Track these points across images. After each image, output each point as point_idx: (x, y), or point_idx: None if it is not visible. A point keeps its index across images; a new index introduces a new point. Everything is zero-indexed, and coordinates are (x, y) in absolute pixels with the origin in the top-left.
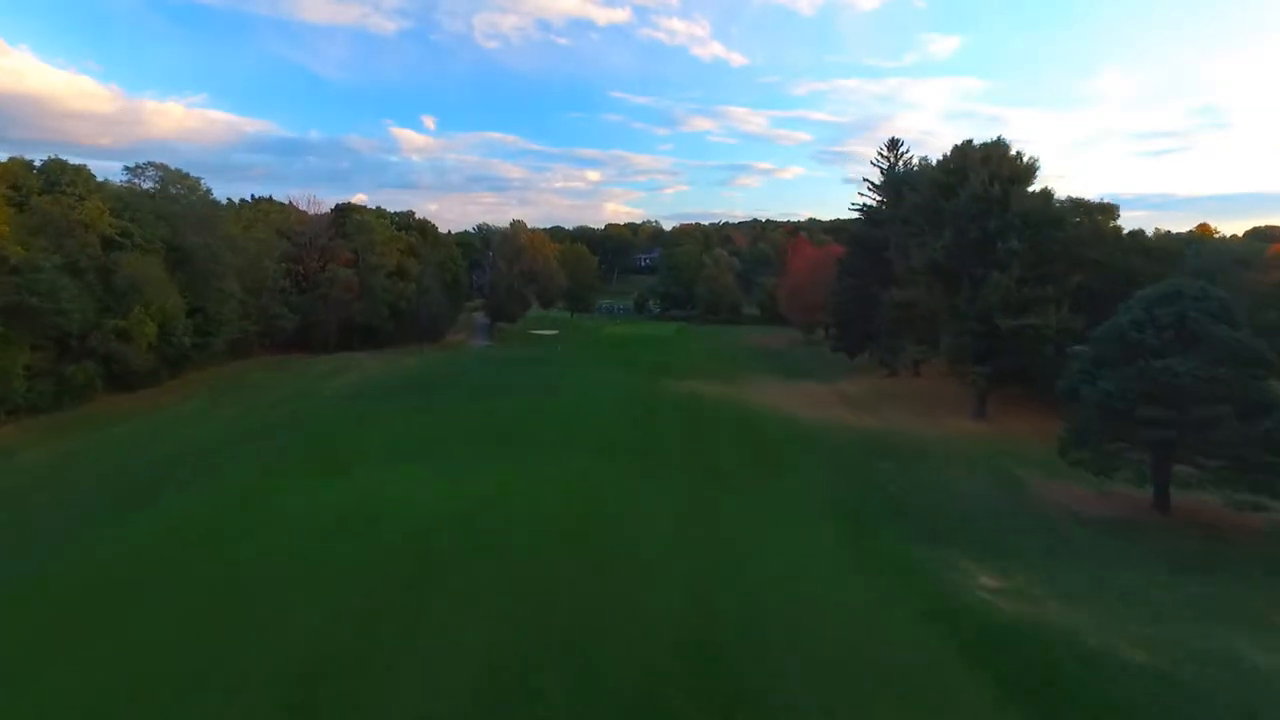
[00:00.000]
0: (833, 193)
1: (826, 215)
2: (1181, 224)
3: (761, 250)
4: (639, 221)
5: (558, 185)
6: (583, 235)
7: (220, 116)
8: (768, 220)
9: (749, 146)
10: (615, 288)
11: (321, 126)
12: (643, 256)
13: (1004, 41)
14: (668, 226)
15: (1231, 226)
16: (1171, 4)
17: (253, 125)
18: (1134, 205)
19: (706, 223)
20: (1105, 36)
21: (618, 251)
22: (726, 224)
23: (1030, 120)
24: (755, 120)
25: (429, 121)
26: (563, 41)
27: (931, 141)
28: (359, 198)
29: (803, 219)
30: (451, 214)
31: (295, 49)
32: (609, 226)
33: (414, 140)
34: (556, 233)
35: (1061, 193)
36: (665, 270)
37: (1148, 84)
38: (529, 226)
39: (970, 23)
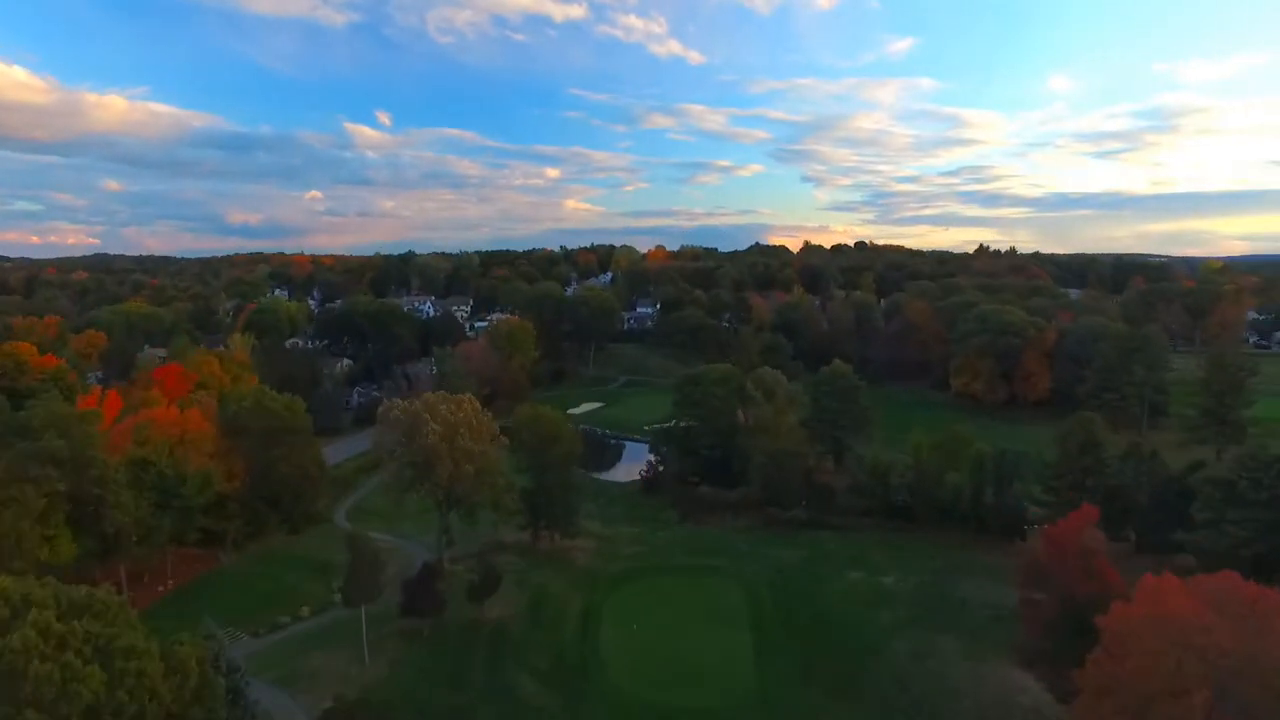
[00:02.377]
0: (792, 191)
1: (787, 213)
2: (1129, 223)
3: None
4: (599, 212)
5: (517, 183)
6: (541, 305)
7: (165, 110)
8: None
9: (708, 144)
10: (594, 372)
11: (273, 121)
12: (629, 316)
13: (957, 43)
14: (628, 224)
15: (1174, 225)
16: (1116, 11)
17: (200, 120)
18: (1083, 204)
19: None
20: (1053, 40)
21: (595, 318)
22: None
23: (984, 120)
24: (714, 118)
25: (384, 117)
26: (519, 38)
27: (888, 140)
28: (313, 194)
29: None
30: (408, 210)
31: (242, 41)
32: (574, 297)
33: (369, 136)
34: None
35: (1013, 191)
36: (682, 400)
37: (1095, 87)
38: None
39: (924, 24)
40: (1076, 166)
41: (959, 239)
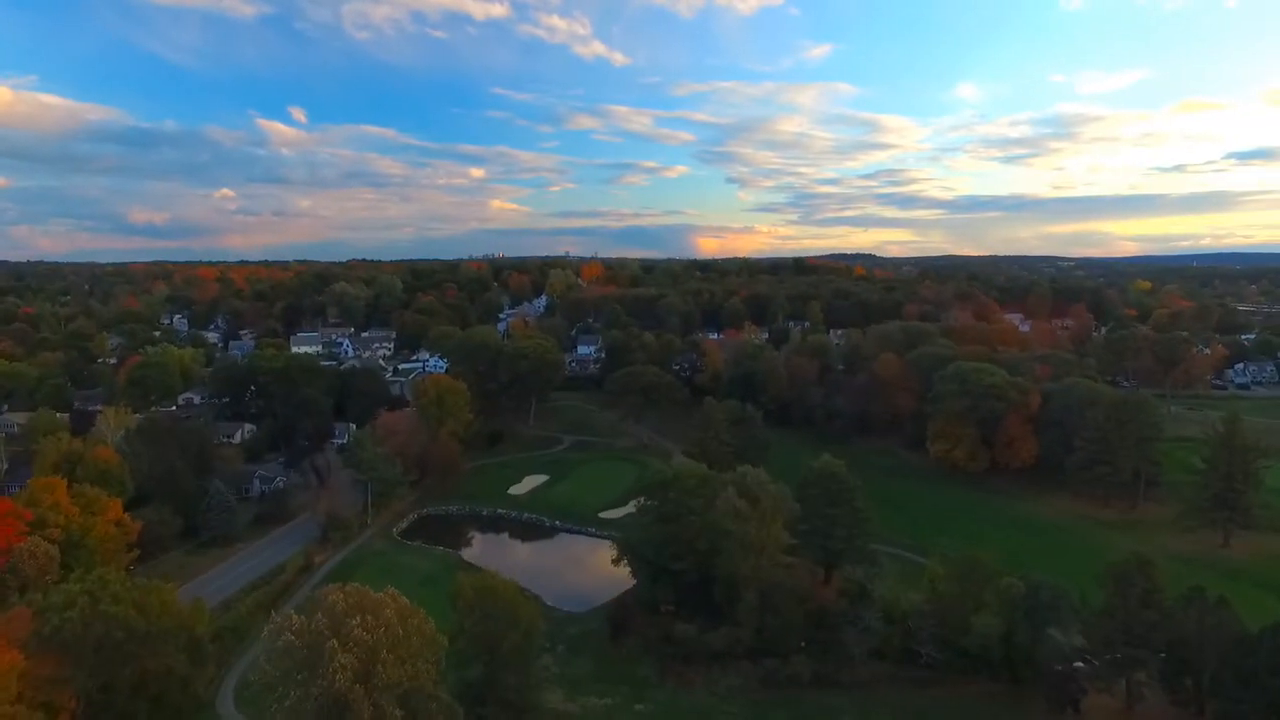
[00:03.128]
0: (718, 192)
1: (714, 214)
2: (1033, 224)
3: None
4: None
5: (440, 182)
6: (475, 356)
7: (56, 101)
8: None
9: (634, 146)
10: (536, 430)
11: (178, 116)
12: (571, 358)
13: (872, 50)
14: (556, 225)
15: (1074, 227)
16: (1016, 24)
17: (97, 113)
18: (991, 206)
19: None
20: (961, 50)
21: (536, 369)
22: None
23: (899, 125)
24: (639, 120)
25: (299, 114)
26: (439, 35)
27: (809, 143)
28: (224, 193)
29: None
30: (327, 210)
31: (142, 32)
32: (513, 349)
33: (283, 133)
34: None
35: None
36: (649, 509)
37: (1000, 96)
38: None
39: (841, 31)
40: (985, 170)
41: (878, 239)
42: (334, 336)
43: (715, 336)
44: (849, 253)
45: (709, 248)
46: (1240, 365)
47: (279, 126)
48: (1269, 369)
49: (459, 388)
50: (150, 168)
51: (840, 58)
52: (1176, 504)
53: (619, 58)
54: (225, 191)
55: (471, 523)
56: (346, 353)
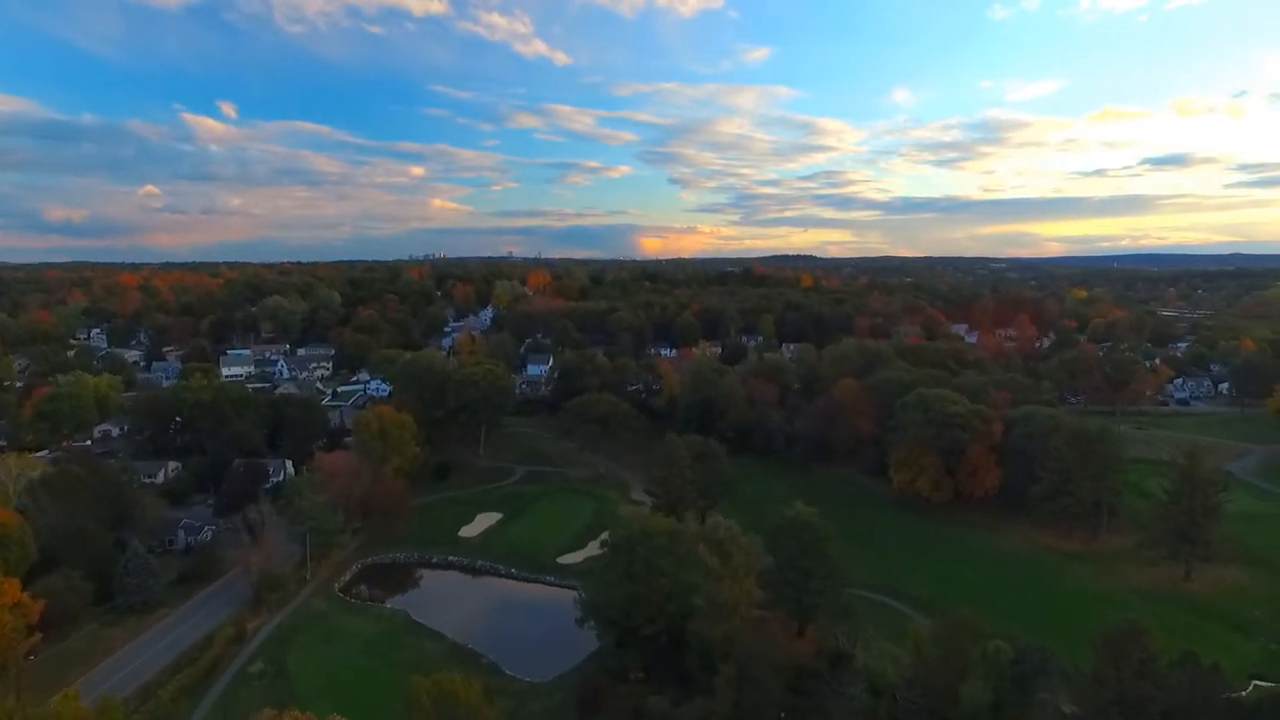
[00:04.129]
0: (660, 192)
1: (657, 214)
2: (965, 226)
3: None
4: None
5: (379, 180)
6: (420, 383)
7: None
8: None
9: (577, 145)
10: (486, 460)
11: (98, 110)
12: (521, 379)
13: (810, 54)
14: (498, 224)
15: (1003, 228)
16: (946, 31)
17: (7, 104)
18: (926, 208)
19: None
20: (895, 56)
21: (487, 396)
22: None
23: (836, 129)
24: (582, 119)
25: (228, 109)
26: (376, 30)
27: (750, 145)
28: (148, 190)
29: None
30: (259, 208)
31: (57, 20)
32: (462, 377)
33: (212, 129)
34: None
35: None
36: (616, 571)
37: (933, 101)
38: None
39: (780, 35)
40: (919, 173)
41: (817, 239)
42: (268, 354)
43: (669, 353)
44: (790, 254)
45: (652, 248)
46: (1179, 380)
47: (207, 122)
48: (1206, 384)
49: (404, 421)
50: (67, 163)
51: (779, 61)
52: (1135, 532)
53: (561, 57)
54: (150, 189)
55: (420, 572)
56: (281, 374)
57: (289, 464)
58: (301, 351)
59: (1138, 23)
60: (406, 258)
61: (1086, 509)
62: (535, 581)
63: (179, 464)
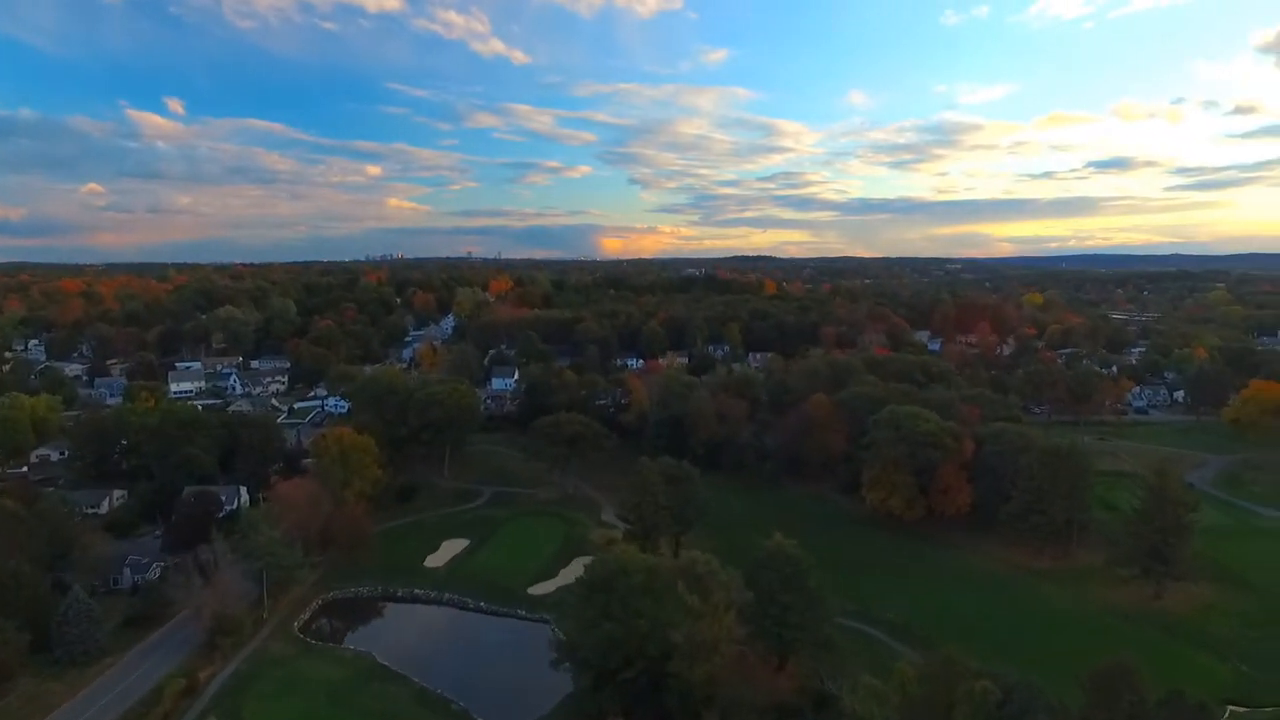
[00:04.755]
0: (621, 192)
1: (618, 214)
2: (920, 226)
3: None
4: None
5: (334, 179)
6: (382, 402)
7: None
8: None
9: (536, 145)
10: (451, 481)
11: (37, 104)
12: (486, 395)
13: (768, 56)
14: (457, 224)
15: (957, 229)
16: (900, 35)
17: None
18: (882, 209)
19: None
20: (851, 59)
21: (452, 416)
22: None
23: (794, 130)
24: (541, 119)
25: (175, 105)
26: (329, 27)
27: (710, 145)
28: (91, 188)
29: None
30: (209, 207)
31: None
32: (425, 396)
33: (158, 125)
34: None
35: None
36: (594, 609)
37: (888, 103)
38: None
39: (738, 37)
40: (875, 175)
41: (776, 239)
42: (219, 368)
43: (635, 363)
44: (750, 254)
45: (613, 248)
46: (1137, 389)
47: (153, 118)
48: (1162, 392)
49: (365, 444)
50: (3, 159)
51: (737, 63)
52: (1103, 547)
53: (519, 56)
54: (93, 186)
55: (385, 607)
56: (234, 389)
57: (243, 490)
58: (255, 364)
59: (1083, 30)
60: (364, 258)
61: (1058, 527)
62: (506, 615)
63: (124, 492)
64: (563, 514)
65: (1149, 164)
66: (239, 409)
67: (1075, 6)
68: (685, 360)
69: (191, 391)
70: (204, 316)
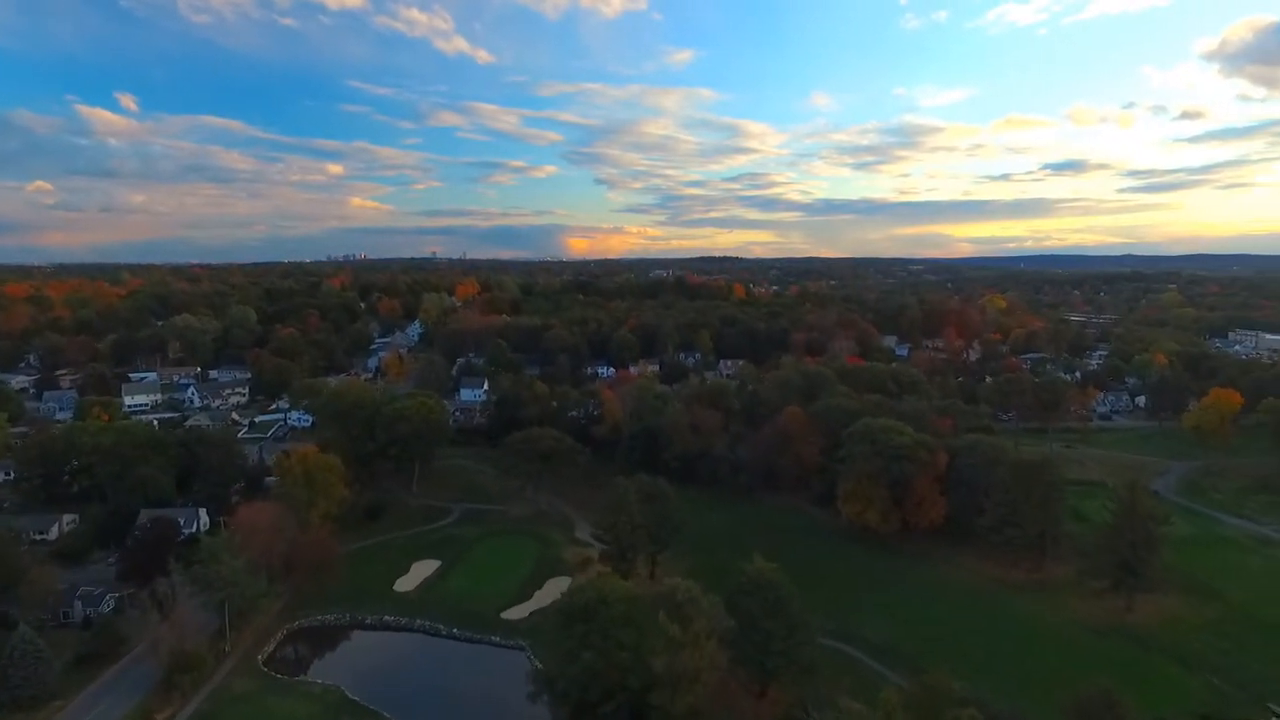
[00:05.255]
0: (587, 192)
1: (584, 214)
2: (882, 227)
3: None
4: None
5: (294, 178)
6: (348, 419)
7: None
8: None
9: (501, 144)
10: (420, 498)
11: None
12: (454, 407)
13: (733, 57)
14: (420, 224)
15: (918, 229)
16: (861, 38)
17: None
18: (845, 209)
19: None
20: (814, 61)
21: (420, 431)
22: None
23: (759, 131)
24: (506, 118)
25: (128, 101)
26: (288, 23)
27: (675, 146)
28: (39, 185)
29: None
30: (164, 206)
31: None
32: (393, 412)
33: (110, 121)
34: None
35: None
36: (573, 641)
37: (851, 105)
38: None
39: (703, 38)
40: (839, 176)
41: (742, 239)
42: (176, 379)
43: (606, 371)
44: (716, 255)
45: (579, 248)
46: (1101, 395)
47: (105, 114)
48: (1124, 398)
49: (331, 463)
50: None
51: (702, 64)
52: (1075, 558)
53: (483, 55)
54: (41, 184)
55: (354, 635)
56: (192, 402)
57: (203, 513)
58: (214, 375)
59: (1037, 36)
60: (325, 258)
61: (1032, 540)
62: (479, 642)
63: (75, 516)
64: (536, 532)
65: (1102, 167)
66: (197, 423)
67: (1030, 13)
68: (657, 368)
69: (147, 405)
70: (160, 324)
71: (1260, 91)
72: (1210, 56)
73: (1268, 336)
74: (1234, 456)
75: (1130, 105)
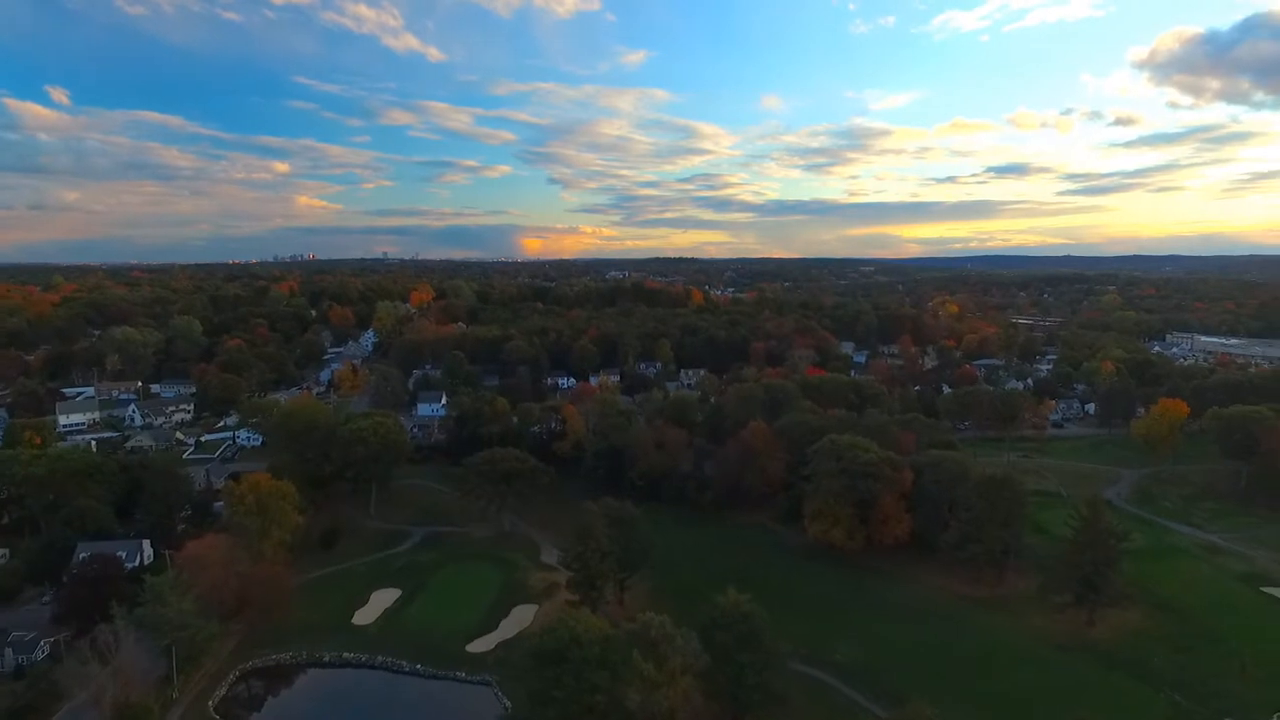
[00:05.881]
0: (541, 192)
1: (538, 214)
2: (834, 228)
3: None
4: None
5: (238, 176)
6: (302, 441)
7: None
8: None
9: (454, 144)
10: (378, 521)
11: None
12: (412, 424)
13: (686, 59)
14: (371, 223)
15: (867, 230)
16: (810, 41)
17: None
18: (797, 210)
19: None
20: (765, 63)
21: (378, 452)
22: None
23: (713, 132)
24: (458, 117)
25: (59, 94)
26: (231, 16)
27: (630, 146)
28: None
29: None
30: (100, 204)
31: None
32: (349, 434)
33: (40, 115)
34: None
35: (740, 198)
36: (545, 683)
37: (801, 108)
38: None
39: (656, 39)
40: (791, 177)
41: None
42: (115, 395)
43: (566, 383)
44: (671, 255)
45: (534, 248)
46: (1052, 402)
47: (34, 108)
48: (1075, 404)
49: (285, 489)
50: None
51: (656, 65)
52: (1035, 570)
53: (434, 53)
54: None
55: (311, 674)
56: (133, 420)
57: (147, 545)
58: (157, 390)
59: (980, 43)
60: (272, 258)
61: (995, 556)
62: (444, 678)
63: (4, 551)
64: (499, 556)
65: (1043, 170)
66: (139, 443)
67: (974, 20)
68: (617, 379)
69: (84, 424)
70: (97, 335)
71: (1188, 99)
72: (1142, 65)
73: (1202, 338)
74: (1180, 464)
75: (1068, 111)
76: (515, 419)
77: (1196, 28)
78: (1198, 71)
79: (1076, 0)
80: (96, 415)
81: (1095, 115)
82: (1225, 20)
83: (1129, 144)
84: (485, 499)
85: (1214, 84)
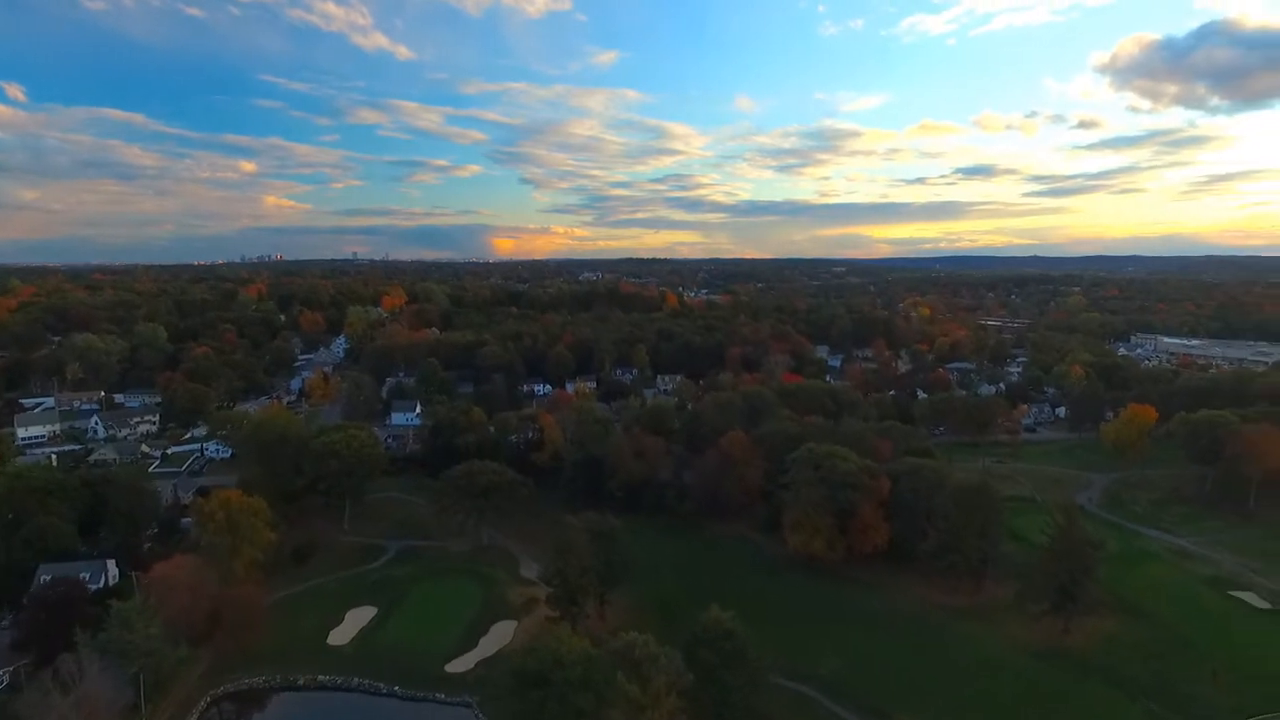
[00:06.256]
0: (512, 192)
1: (509, 214)
2: (805, 228)
3: None
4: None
5: (203, 175)
6: (273, 455)
7: None
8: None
9: (424, 143)
10: (352, 535)
11: None
12: (386, 434)
13: (657, 59)
14: (340, 223)
15: (839, 230)
16: (782, 43)
17: None
18: (770, 211)
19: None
20: (737, 64)
21: (347, 473)
22: None
23: (684, 133)
24: (428, 116)
25: (15, 91)
26: (195, 13)
27: (601, 146)
28: None
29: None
30: (59, 203)
31: None
32: (322, 447)
33: None
34: None
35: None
36: (529, 705)
37: (773, 109)
38: None
39: (626, 39)
40: (763, 178)
41: (669, 240)
42: (77, 405)
43: (542, 389)
44: (644, 256)
45: (505, 248)
46: (1025, 407)
47: None
48: (1046, 408)
49: (256, 505)
50: None
51: (627, 65)
52: (1011, 578)
53: (403, 51)
54: None
55: (284, 699)
56: (96, 432)
57: (112, 565)
58: (121, 399)
59: (947, 46)
60: (239, 259)
61: (973, 565)
62: (423, 700)
63: None
64: (478, 570)
65: (1009, 172)
66: (103, 456)
67: (941, 23)
68: (594, 385)
69: (44, 437)
70: (57, 341)
71: (1147, 104)
72: (1103, 70)
73: (1165, 340)
74: (1148, 468)
75: (1033, 114)
76: (492, 429)
77: (1155, 34)
78: (1156, 77)
79: (1040, 5)
80: (57, 427)
81: (1059, 118)
82: (1182, 27)
83: (1091, 146)
84: (463, 513)
85: (1172, 89)
